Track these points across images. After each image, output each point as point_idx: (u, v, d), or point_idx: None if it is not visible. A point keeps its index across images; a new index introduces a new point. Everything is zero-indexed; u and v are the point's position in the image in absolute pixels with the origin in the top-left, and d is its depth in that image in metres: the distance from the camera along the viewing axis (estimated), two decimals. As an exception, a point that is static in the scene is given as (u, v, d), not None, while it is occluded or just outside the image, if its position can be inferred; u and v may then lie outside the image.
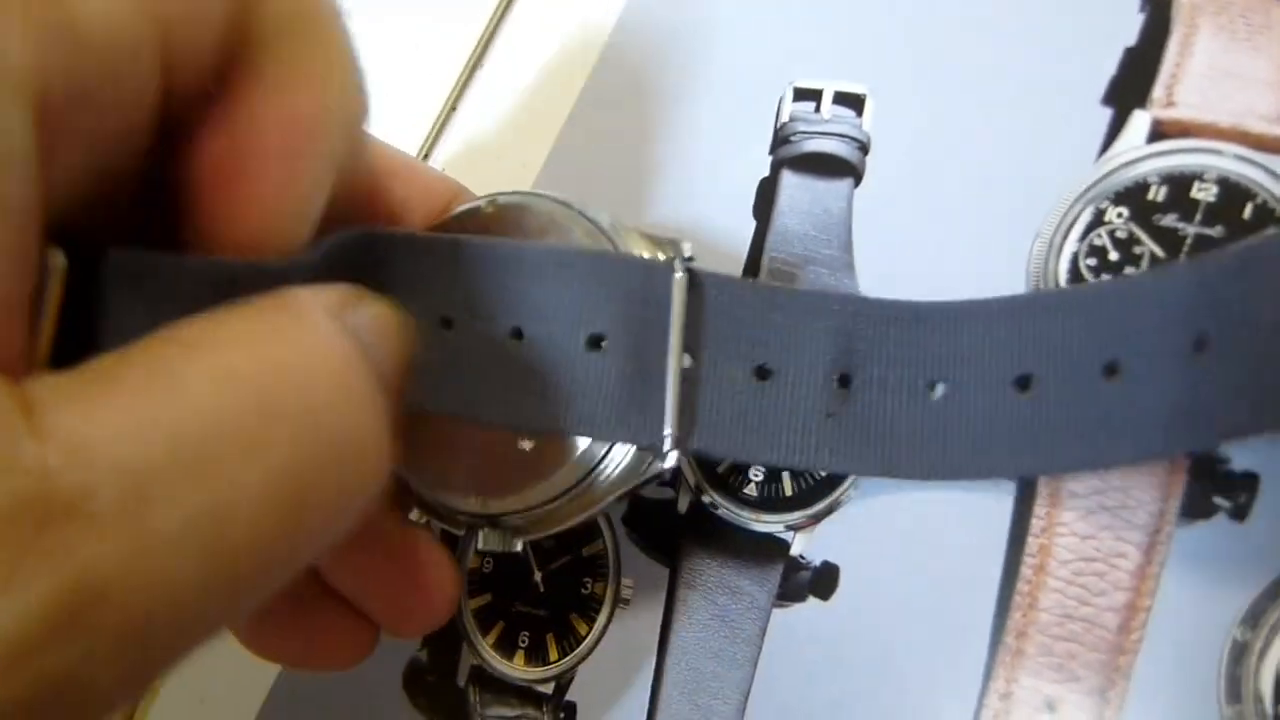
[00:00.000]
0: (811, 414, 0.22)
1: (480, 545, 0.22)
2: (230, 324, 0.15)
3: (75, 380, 0.13)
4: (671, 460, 0.21)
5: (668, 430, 0.21)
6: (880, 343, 0.22)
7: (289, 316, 0.16)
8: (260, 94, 0.17)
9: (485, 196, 0.23)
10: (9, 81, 0.13)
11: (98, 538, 0.12)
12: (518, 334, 0.21)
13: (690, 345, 0.22)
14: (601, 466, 0.22)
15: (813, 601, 0.24)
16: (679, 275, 0.21)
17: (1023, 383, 0.22)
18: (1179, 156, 0.23)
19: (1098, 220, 0.23)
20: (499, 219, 0.22)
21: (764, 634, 0.24)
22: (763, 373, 0.22)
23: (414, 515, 0.23)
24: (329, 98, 0.18)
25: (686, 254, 0.22)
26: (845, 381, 0.22)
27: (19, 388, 0.12)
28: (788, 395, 0.22)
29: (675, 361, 0.21)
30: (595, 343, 0.21)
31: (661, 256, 0.22)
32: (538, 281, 0.21)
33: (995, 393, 0.21)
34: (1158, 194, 0.23)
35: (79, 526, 0.12)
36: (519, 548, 0.22)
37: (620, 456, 0.22)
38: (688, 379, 0.22)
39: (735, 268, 0.26)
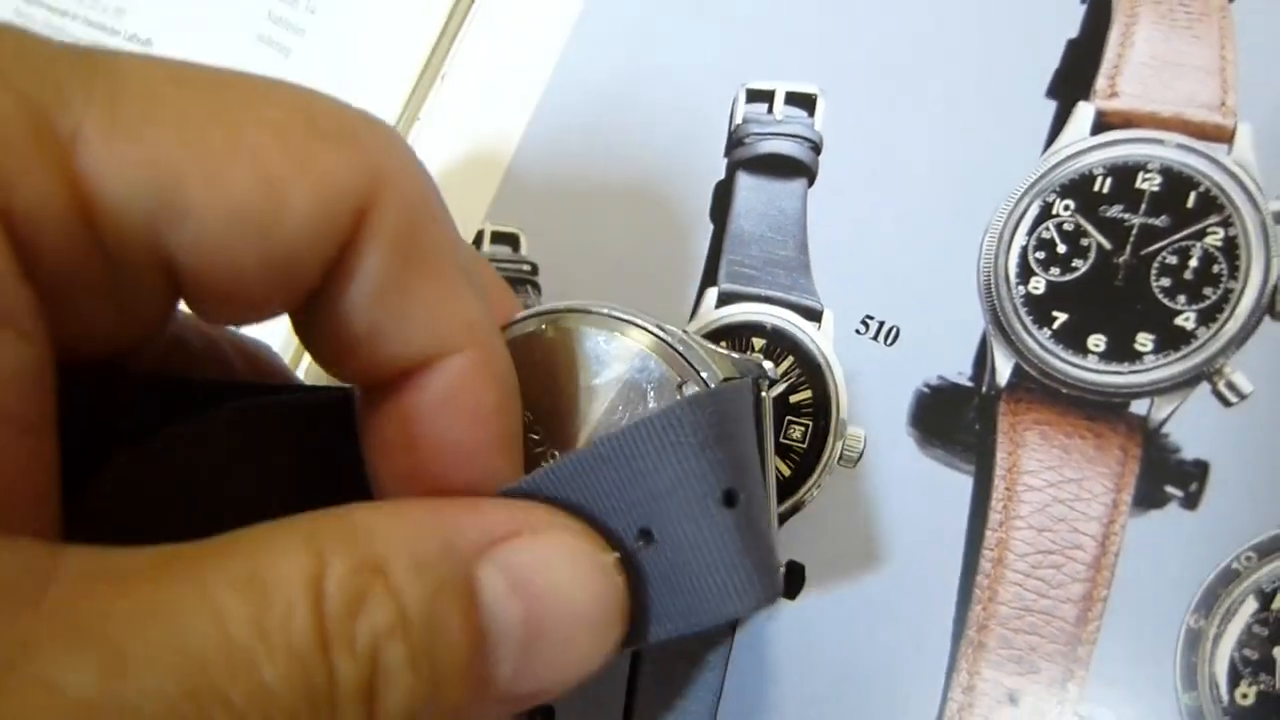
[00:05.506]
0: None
1: None
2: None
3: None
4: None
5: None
6: None
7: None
8: (447, 407, 0.17)
9: (538, 313, 0.21)
10: None
11: None
12: (646, 536, 0.18)
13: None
14: None
15: (780, 601, 0.24)
16: (767, 398, 0.20)
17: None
18: (1122, 147, 0.23)
19: (1045, 213, 0.23)
20: (559, 346, 0.21)
21: (734, 634, 0.25)
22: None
23: None
24: (506, 387, 0.18)
25: (769, 373, 0.21)
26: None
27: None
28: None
29: (772, 479, 0.20)
30: (730, 499, 0.18)
31: (722, 365, 0.20)
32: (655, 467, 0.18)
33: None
34: (1103, 185, 0.23)
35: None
36: None
37: None
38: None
39: (695, 272, 0.26)
